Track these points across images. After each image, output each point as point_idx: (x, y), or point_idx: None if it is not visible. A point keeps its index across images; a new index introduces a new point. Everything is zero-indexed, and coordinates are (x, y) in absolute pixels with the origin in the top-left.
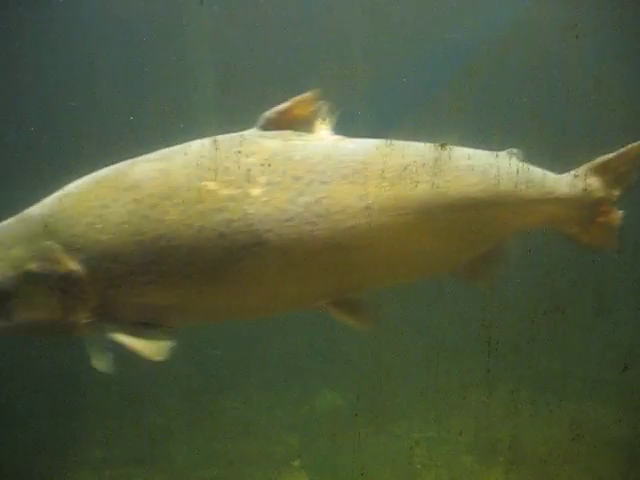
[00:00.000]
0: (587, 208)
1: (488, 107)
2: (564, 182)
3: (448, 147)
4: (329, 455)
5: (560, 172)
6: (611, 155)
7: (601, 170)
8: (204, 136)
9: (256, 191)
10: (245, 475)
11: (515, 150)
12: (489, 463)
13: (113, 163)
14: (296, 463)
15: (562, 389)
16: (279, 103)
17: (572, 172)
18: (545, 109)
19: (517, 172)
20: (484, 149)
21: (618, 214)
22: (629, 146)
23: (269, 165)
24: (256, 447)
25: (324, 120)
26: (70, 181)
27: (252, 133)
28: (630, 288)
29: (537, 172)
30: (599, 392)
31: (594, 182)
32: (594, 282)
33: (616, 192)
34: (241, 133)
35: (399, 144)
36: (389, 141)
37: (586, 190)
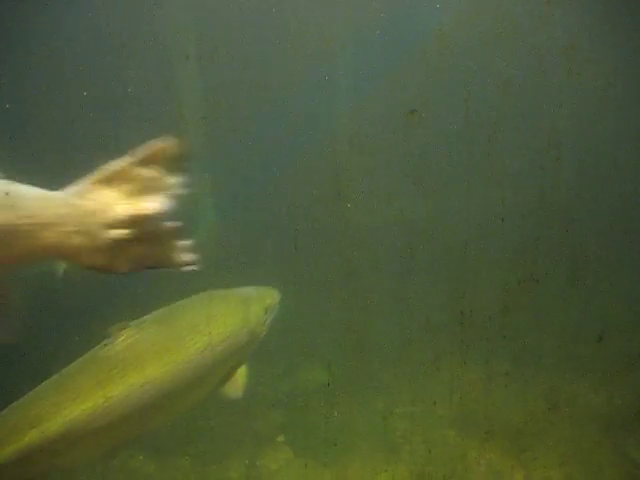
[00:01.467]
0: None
1: None
2: (59, 200)
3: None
4: (313, 430)
5: None
6: (127, 159)
7: (113, 179)
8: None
9: None
10: (229, 451)
11: None
12: (466, 434)
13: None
14: (280, 439)
15: (537, 359)
16: None
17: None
18: None
19: None
20: None
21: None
22: (151, 146)
23: None
24: (240, 423)
25: None
26: None
27: None
28: (604, 258)
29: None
30: (574, 362)
31: (101, 196)
32: (568, 252)
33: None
34: None
35: None
36: None
37: (91, 205)
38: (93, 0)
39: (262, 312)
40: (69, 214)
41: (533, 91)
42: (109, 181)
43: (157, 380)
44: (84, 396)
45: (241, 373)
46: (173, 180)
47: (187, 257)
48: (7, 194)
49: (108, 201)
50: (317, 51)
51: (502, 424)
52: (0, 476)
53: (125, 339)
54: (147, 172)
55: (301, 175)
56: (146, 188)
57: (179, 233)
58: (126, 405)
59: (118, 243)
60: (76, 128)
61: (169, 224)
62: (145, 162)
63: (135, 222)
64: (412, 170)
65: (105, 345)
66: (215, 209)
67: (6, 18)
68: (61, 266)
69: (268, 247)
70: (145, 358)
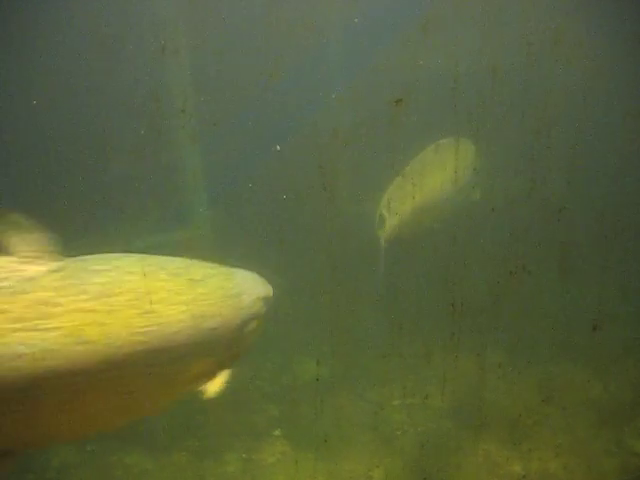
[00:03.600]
0: None
1: None
2: None
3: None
4: (309, 424)
5: None
6: None
7: None
8: None
9: None
10: (226, 446)
11: None
12: (460, 427)
13: None
14: (277, 432)
15: (530, 350)
16: None
17: None
18: None
19: None
20: None
21: None
22: None
23: None
24: (236, 418)
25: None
26: None
27: None
28: (596, 247)
29: None
30: (568, 352)
31: None
32: (560, 241)
33: None
34: None
35: None
36: None
37: None
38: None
39: None
40: None
41: (522, 78)
42: None
43: None
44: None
45: None
46: None
47: None
48: None
49: None
50: (299, 40)
51: (497, 416)
52: None
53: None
54: None
55: (285, 168)
56: None
57: None
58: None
59: None
60: None
61: None
62: None
63: None
64: (398, 161)
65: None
66: (200, 206)
67: None
68: None
69: (254, 242)
70: None
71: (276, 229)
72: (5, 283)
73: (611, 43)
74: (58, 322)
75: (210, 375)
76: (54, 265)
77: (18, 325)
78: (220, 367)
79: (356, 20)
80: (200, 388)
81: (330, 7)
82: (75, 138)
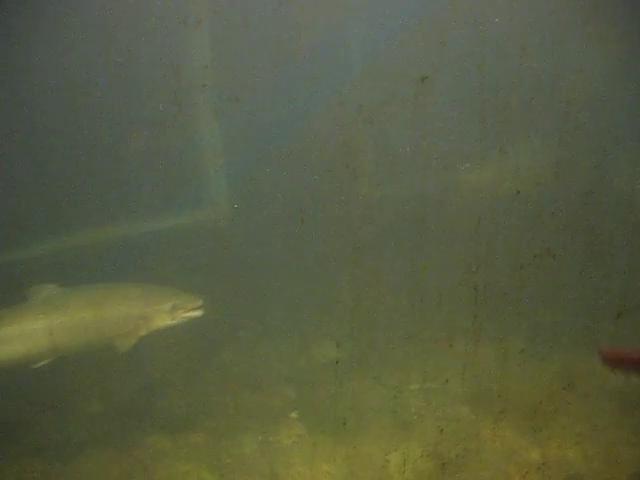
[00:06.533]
0: None
1: None
2: None
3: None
4: (326, 407)
5: None
6: None
7: None
8: None
9: None
10: (242, 427)
11: None
12: (480, 413)
13: None
14: (293, 415)
15: (553, 337)
16: None
17: None
18: None
19: None
20: None
21: None
22: None
23: None
24: (254, 399)
25: None
26: None
27: None
28: (622, 232)
29: None
30: (591, 339)
31: None
32: (585, 225)
33: None
34: None
35: None
36: None
37: None
38: None
39: None
40: None
41: (551, 57)
42: None
43: None
44: None
45: None
46: None
47: None
48: None
49: None
50: (325, 16)
51: (517, 403)
52: None
53: None
54: None
55: (308, 146)
56: None
57: None
58: None
59: None
60: None
61: None
62: None
63: None
64: (423, 140)
65: None
66: (222, 183)
67: None
68: None
69: (276, 222)
70: None
71: (296, 210)
72: None
73: None
74: None
75: None
76: None
77: None
78: None
79: None
80: None
81: None
82: (94, 116)
